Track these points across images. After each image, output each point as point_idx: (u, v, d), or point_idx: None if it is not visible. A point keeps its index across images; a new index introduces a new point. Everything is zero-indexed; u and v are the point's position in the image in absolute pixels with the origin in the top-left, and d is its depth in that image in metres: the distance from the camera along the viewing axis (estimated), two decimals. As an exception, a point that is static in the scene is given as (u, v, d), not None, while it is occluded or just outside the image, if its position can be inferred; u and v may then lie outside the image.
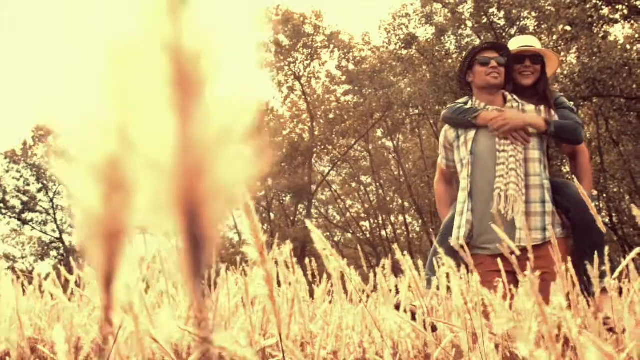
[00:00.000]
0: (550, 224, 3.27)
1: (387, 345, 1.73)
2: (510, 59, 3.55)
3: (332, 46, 30.53)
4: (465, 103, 3.59)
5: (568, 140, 3.49)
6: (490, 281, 2.34)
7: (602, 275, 3.18)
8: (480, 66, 3.44)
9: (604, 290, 3.01)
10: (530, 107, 3.45)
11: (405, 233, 34.10)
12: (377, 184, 33.83)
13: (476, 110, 3.45)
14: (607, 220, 25.61)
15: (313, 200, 32.76)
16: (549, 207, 3.30)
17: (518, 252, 2.25)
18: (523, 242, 3.20)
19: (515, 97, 3.51)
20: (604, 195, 24.87)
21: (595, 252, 2.27)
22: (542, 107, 3.48)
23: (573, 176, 3.38)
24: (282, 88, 31.07)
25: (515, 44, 3.74)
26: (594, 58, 17.68)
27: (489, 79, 3.42)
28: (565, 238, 3.35)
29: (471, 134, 3.47)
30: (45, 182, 33.36)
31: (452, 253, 2.91)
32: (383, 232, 33.70)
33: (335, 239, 36.29)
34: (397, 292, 2.91)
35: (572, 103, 3.74)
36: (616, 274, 1.89)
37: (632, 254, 1.77)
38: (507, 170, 3.28)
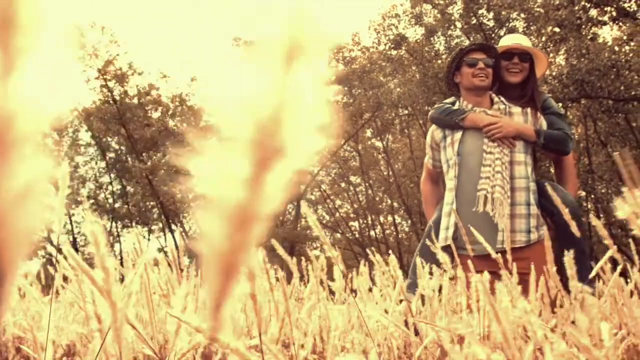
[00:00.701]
0: (535, 227, 3.29)
1: (371, 345, 1.73)
2: (499, 60, 3.56)
3: (321, 46, 30.50)
4: (453, 104, 3.59)
5: (556, 151, 3.51)
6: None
7: (587, 280, 3.20)
8: (468, 67, 3.44)
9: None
10: (517, 110, 3.46)
11: (395, 233, 34.14)
12: (367, 184, 33.86)
13: (463, 111, 3.46)
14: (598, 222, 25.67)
15: (302, 200, 32.75)
16: (534, 209, 3.31)
17: (494, 255, 2.26)
18: (505, 243, 3.22)
19: (502, 98, 3.52)
20: (592, 196, 25.00)
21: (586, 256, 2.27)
22: (528, 110, 3.48)
23: (546, 185, 3.41)
24: (271, 88, 31.00)
25: (505, 41, 3.75)
26: (582, 60, 17.76)
27: (476, 80, 3.42)
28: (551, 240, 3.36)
29: (458, 135, 3.47)
30: (33, 181, 33.13)
31: (433, 255, 2.91)
32: (372, 232, 33.74)
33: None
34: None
35: (560, 104, 3.76)
36: (593, 273, 1.89)
37: (603, 260, 1.76)
38: (493, 172, 3.29)
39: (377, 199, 34.33)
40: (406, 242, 33.49)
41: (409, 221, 31.40)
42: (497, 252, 3.23)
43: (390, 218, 34.85)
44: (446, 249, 3.38)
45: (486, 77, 3.42)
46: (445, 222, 3.45)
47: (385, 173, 33.76)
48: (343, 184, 35.35)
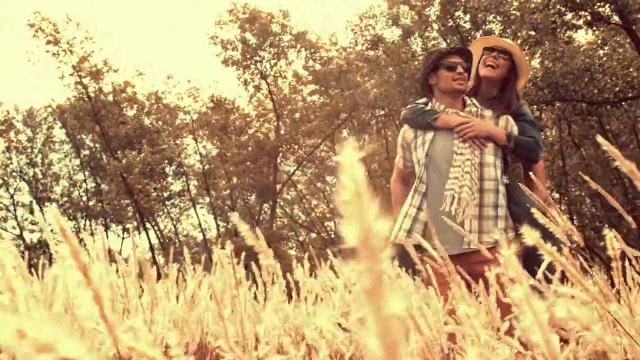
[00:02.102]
0: (502, 228, 3.30)
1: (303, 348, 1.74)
2: (471, 64, 3.57)
3: (299, 46, 30.50)
4: (426, 104, 3.59)
5: (525, 157, 3.53)
6: (444, 281, 2.35)
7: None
8: (447, 71, 3.44)
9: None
10: (488, 113, 3.47)
11: (370, 233, 34.17)
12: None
13: (436, 112, 3.46)
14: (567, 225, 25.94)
15: (278, 200, 32.69)
16: (502, 211, 3.33)
17: (444, 258, 2.27)
18: (473, 245, 3.24)
19: (474, 101, 3.53)
20: (566, 198, 25.25)
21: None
22: (500, 114, 3.50)
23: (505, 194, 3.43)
24: (248, 87, 30.93)
25: (489, 39, 3.75)
26: (557, 63, 17.93)
27: (455, 84, 3.43)
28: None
29: (429, 135, 3.48)
30: (5, 178, 32.79)
31: (404, 253, 2.92)
32: (347, 232, 33.71)
33: (300, 238, 36.28)
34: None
35: (534, 107, 3.77)
36: (541, 271, 1.90)
37: (542, 268, 1.77)
38: (462, 173, 3.29)
39: (353, 199, 34.29)
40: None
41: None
42: (463, 253, 3.26)
43: (365, 218, 34.87)
44: (396, 247, 3.40)
45: (464, 81, 3.44)
46: (405, 222, 3.44)
47: (361, 173, 33.75)
48: (319, 184, 35.35)
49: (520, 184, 3.70)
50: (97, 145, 32.43)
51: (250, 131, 32.00)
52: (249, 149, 30.59)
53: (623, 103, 19.51)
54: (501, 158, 3.47)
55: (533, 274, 2.33)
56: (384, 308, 0.32)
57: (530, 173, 3.78)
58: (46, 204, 33.00)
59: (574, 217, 26.37)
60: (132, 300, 2.26)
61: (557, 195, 25.86)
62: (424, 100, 3.66)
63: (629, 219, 1.63)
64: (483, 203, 3.30)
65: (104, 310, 0.62)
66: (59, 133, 34.28)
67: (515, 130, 3.49)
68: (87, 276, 0.61)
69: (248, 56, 30.00)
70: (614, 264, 1.51)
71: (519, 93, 3.68)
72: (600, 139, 1.13)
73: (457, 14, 23.50)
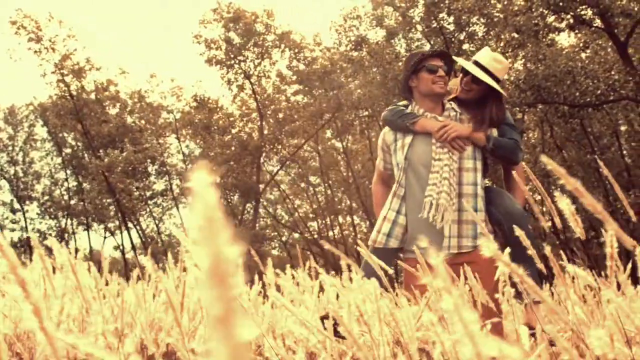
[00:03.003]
0: (481, 233, 3.30)
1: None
2: (452, 67, 3.54)
3: (283, 46, 30.47)
4: (406, 106, 3.57)
5: (505, 159, 3.50)
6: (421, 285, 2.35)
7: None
8: (428, 73, 3.42)
9: (535, 303, 3.08)
10: (467, 117, 3.46)
11: (353, 234, 34.27)
12: (326, 185, 33.90)
13: (415, 116, 3.45)
14: (549, 224, 26.15)
15: (261, 200, 32.65)
16: (482, 215, 3.33)
17: (423, 260, 2.27)
18: (452, 249, 3.25)
19: (453, 105, 3.51)
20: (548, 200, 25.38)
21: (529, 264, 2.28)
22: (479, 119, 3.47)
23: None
24: (231, 86, 30.85)
25: (477, 55, 3.66)
26: (539, 65, 18.04)
27: (435, 87, 3.41)
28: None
29: (408, 139, 3.46)
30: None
31: (385, 256, 2.93)
32: (330, 233, 33.80)
33: (283, 238, 36.26)
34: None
35: (517, 109, 3.75)
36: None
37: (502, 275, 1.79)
38: (440, 179, 3.29)
39: (336, 199, 34.41)
40: (365, 242, 33.58)
41: (368, 222, 31.56)
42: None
43: (349, 218, 34.98)
44: (377, 250, 3.41)
45: (445, 85, 3.42)
46: (385, 226, 3.44)
47: (344, 174, 33.86)
48: (302, 184, 35.34)
49: (500, 188, 3.70)
50: (79, 143, 32.22)
51: (233, 131, 31.93)
52: (232, 148, 30.52)
53: (604, 106, 19.69)
54: (481, 161, 3.46)
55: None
56: (233, 335, 0.32)
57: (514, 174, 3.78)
58: (27, 202, 32.77)
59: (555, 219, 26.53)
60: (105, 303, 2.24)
61: (538, 197, 26.02)
62: (404, 102, 3.64)
63: (610, 221, 1.64)
64: (462, 207, 3.31)
65: (43, 323, 0.61)
66: (41, 131, 34.08)
67: (494, 133, 3.48)
68: (26, 290, 0.60)
69: (232, 55, 29.94)
70: (608, 262, 1.52)
71: (501, 107, 3.57)
72: (544, 158, 1.14)
73: (441, 15, 23.58)
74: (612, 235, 1.43)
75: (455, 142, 3.35)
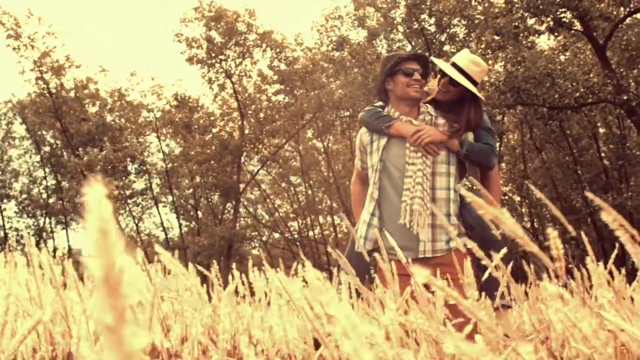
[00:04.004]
0: (455, 236, 3.32)
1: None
2: (429, 70, 3.54)
3: (264, 45, 30.41)
4: (383, 107, 3.57)
5: (479, 163, 3.51)
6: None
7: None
8: (404, 77, 3.41)
9: (505, 307, 3.11)
10: (442, 121, 3.46)
11: (334, 234, 34.30)
12: (307, 185, 33.91)
13: (391, 118, 3.44)
14: (528, 225, 26.37)
15: (241, 199, 32.58)
16: (454, 220, 3.34)
17: (404, 260, 2.29)
18: (427, 253, 3.27)
19: (429, 108, 3.51)
20: (527, 201, 25.60)
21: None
22: (454, 124, 3.47)
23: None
24: (212, 85, 30.75)
25: (455, 57, 3.66)
26: (519, 67, 18.16)
27: (410, 91, 3.40)
28: (470, 249, 3.35)
29: (383, 141, 3.46)
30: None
31: (357, 256, 2.94)
32: (311, 233, 33.81)
33: (264, 238, 36.22)
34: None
35: (497, 111, 3.75)
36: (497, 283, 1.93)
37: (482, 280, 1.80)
38: (414, 183, 3.30)
39: (317, 199, 34.43)
40: (345, 242, 33.65)
41: (349, 222, 31.57)
42: (418, 258, 3.28)
43: (329, 218, 35.00)
44: (360, 254, 3.42)
45: (420, 88, 3.41)
46: (362, 229, 3.45)
47: (325, 174, 33.87)
48: (283, 184, 35.32)
49: (469, 192, 3.71)
50: (58, 141, 31.96)
51: (214, 130, 31.83)
52: (213, 147, 30.43)
53: (583, 108, 19.86)
54: (456, 165, 3.46)
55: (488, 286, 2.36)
56: (124, 343, 0.33)
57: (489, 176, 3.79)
58: (5, 200, 32.45)
59: (535, 220, 26.76)
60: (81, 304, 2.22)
61: (518, 198, 26.21)
62: (381, 103, 3.64)
63: (570, 227, 1.68)
64: (435, 212, 3.32)
65: None
66: (19, 129, 33.77)
67: (470, 136, 3.48)
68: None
69: (213, 54, 29.84)
70: (557, 264, 1.54)
71: (478, 110, 3.56)
72: (473, 180, 1.16)
73: (422, 17, 23.69)
74: (555, 237, 1.45)
75: (429, 147, 3.35)
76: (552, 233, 1.54)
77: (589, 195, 1.70)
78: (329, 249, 2.60)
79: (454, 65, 3.50)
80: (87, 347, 1.52)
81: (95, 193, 0.36)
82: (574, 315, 1.37)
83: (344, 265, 3.07)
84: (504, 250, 1.86)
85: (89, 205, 0.36)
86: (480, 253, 1.70)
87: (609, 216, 1.47)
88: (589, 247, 2.15)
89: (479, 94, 3.48)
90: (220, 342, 1.88)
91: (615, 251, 2.25)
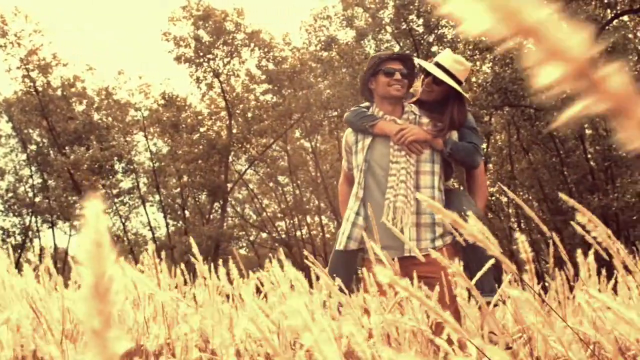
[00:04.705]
0: (440, 235, 3.34)
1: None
2: (413, 70, 3.55)
3: (252, 45, 30.36)
4: (368, 108, 3.59)
5: (463, 162, 3.52)
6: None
7: (492, 289, 3.28)
8: (385, 76, 3.42)
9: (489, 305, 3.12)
10: (426, 120, 3.48)
11: (321, 234, 34.30)
12: (294, 184, 33.89)
13: (375, 118, 3.46)
14: (515, 226, 26.48)
15: (229, 199, 32.52)
16: (439, 218, 3.33)
17: (387, 260, 2.29)
18: (411, 252, 3.27)
19: (413, 107, 3.52)
20: (513, 202, 25.68)
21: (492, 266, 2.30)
22: (438, 123, 3.48)
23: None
24: (200, 84, 30.67)
25: (438, 57, 3.67)
26: (506, 68, 18.24)
27: (391, 90, 3.41)
28: (454, 246, 3.38)
29: (367, 140, 3.48)
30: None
31: (343, 257, 2.95)
32: (298, 233, 33.81)
33: (251, 238, 36.17)
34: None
35: (484, 111, 3.76)
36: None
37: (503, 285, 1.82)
38: (397, 182, 3.31)
39: (305, 199, 34.42)
40: (332, 242, 33.64)
41: (336, 222, 31.61)
42: (403, 257, 3.29)
43: (317, 219, 35.01)
44: (339, 253, 3.42)
45: (402, 88, 3.42)
46: (347, 228, 3.45)
47: (313, 174, 33.88)
48: (271, 184, 35.28)
49: (458, 191, 3.73)
50: (44, 140, 31.79)
51: (202, 129, 31.75)
52: (200, 147, 30.36)
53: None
54: (440, 164, 3.48)
55: (474, 274, 2.37)
56: (109, 347, 0.35)
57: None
58: (-10, 199, 32.23)
59: (522, 221, 26.88)
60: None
61: (504, 199, 26.32)
62: (367, 104, 3.66)
63: (544, 228, 1.69)
64: (420, 211, 3.33)
65: None
66: (5, 127, 33.54)
67: (454, 135, 3.50)
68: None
69: (201, 54, 29.77)
70: (527, 267, 1.55)
71: (462, 108, 3.58)
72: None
73: (410, 17, 23.74)
74: (523, 241, 1.47)
75: (413, 146, 3.36)
76: (520, 237, 1.55)
77: (563, 196, 1.72)
78: (305, 253, 2.60)
79: (437, 64, 3.53)
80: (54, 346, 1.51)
81: (93, 207, 0.38)
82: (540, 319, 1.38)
83: (331, 268, 3.07)
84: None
85: (87, 218, 0.37)
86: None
87: (584, 217, 1.48)
88: (561, 248, 2.16)
89: (463, 93, 3.50)
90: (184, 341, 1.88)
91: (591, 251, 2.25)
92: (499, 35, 0.30)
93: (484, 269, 2.23)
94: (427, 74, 3.54)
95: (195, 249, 2.39)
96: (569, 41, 0.29)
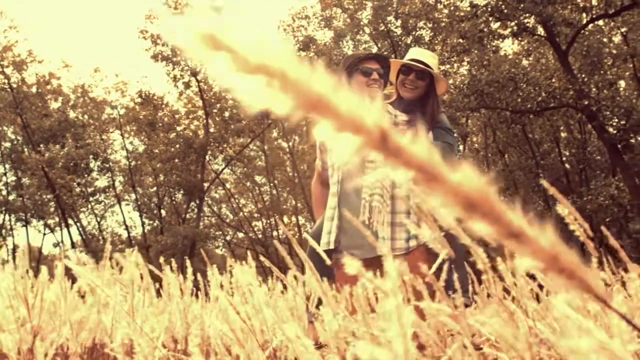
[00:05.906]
0: (414, 235, 3.32)
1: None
2: (389, 70, 3.55)
3: (230, 44, 30.24)
4: None
5: None
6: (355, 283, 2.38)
7: (467, 290, 3.29)
8: (362, 76, 3.42)
9: (465, 305, 3.13)
10: (403, 118, 3.48)
11: (298, 234, 34.29)
12: (271, 184, 33.86)
13: None
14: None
15: (206, 198, 32.40)
16: (414, 218, 3.33)
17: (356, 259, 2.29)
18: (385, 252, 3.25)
19: (389, 108, 3.52)
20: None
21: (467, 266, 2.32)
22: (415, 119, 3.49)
23: None
24: (177, 83, 30.52)
25: (410, 55, 3.72)
26: (483, 71, 18.36)
27: (369, 90, 3.42)
28: (429, 248, 3.37)
29: None
30: None
31: (318, 257, 2.95)
32: (275, 233, 33.76)
33: (228, 237, 36.06)
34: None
35: (460, 113, 3.79)
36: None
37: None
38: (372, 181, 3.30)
39: (282, 199, 34.39)
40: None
41: (312, 222, 31.62)
42: (376, 257, 3.28)
43: (294, 219, 34.99)
44: (329, 252, 3.41)
45: (379, 87, 3.41)
46: (327, 226, 3.44)
47: (290, 174, 33.86)
48: (248, 183, 35.22)
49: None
50: (18, 137, 31.43)
51: (178, 128, 31.61)
52: (177, 146, 30.21)
53: (545, 112, 20.15)
54: None
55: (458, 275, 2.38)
56: None
57: None
58: (-37, 197, 31.80)
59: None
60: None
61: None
62: None
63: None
64: (395, 210, 3.32)
65: None
66: (-22, 124, 33.11)
67: (429, 136, 3.51)
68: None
69: (178, 52, 29.62)
70: (483, 277, 1.57)
71: (439, 103, 3.65)
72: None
73: (388, 19, 23.82)
74: (481, 251, 1.49)
75: None
76: (477, 249, 1.56)
77: (545, 184, 1.73)
78: (261, 258, 2.61)
79: (417, 61, 3.56)
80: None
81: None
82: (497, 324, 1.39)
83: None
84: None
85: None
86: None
87: (565, 209, 1.50)
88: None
89: (444, 80, 3.55)
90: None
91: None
92: (286, 110, 0.28)
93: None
94: (407, 72, 3.56)
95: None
96: (362, 112, 0.28)
